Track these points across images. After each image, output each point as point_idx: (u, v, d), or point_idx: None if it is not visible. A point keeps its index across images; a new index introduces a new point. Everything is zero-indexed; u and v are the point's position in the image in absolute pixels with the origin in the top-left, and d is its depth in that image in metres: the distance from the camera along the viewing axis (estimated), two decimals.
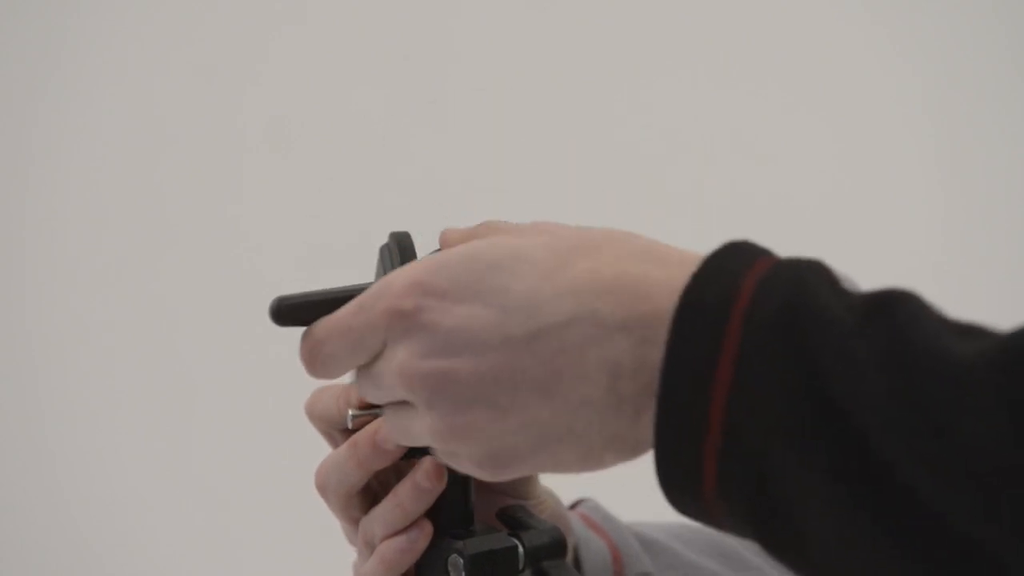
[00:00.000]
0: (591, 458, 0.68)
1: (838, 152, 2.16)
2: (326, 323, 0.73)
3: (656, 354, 0.65)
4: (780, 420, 0.62)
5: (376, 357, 0.72)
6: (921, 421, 0.60)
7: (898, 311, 0.62)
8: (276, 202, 2.10)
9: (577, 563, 0.90)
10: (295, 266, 2.09)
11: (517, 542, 0.81)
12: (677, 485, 0.65)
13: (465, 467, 0.70)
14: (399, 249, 0.81)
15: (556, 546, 0.81)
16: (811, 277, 0.64)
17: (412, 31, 2.12)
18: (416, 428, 0.71)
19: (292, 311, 0.75)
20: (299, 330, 0.75)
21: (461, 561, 0.80)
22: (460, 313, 0.68)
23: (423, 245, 0.81)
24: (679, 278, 0.65)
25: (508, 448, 0.68)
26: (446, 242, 0.77)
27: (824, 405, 0.61)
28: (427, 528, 0.81)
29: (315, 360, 0.74)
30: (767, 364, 0.62)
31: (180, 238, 2.09)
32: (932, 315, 0.63)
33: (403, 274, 0.70)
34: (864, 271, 2.28)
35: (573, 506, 0.96)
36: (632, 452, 0.68)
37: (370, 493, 0.84)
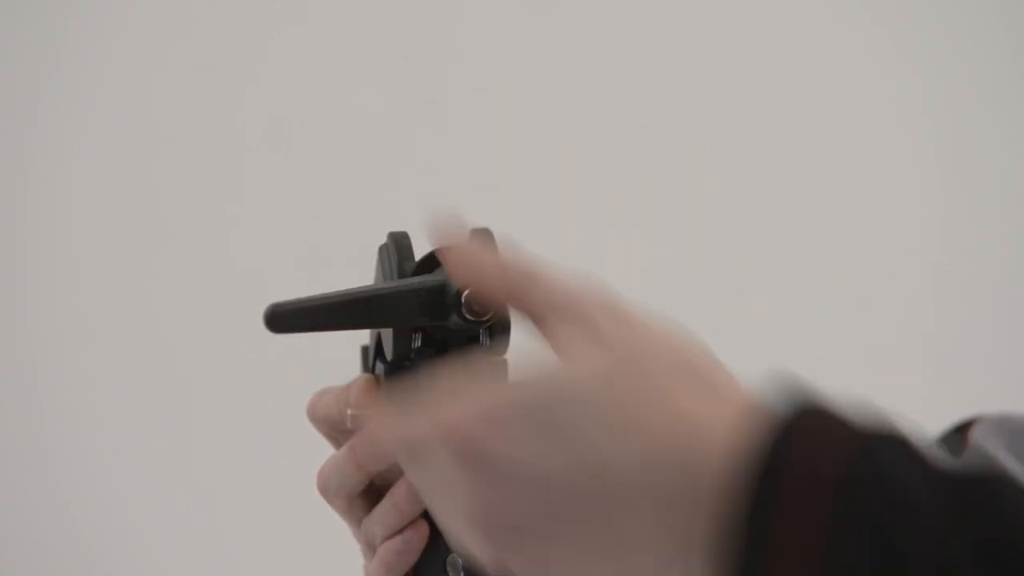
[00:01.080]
0: None
1: (838, 152, 2.16)
2: (382, 426, 0.71)
3: (713, 530, 0.63)
4: None
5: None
6: None
7: (995, 503, 0.59)
8: (276, 202, 2.10)
9: None
10: (295, 266, 2.09)
11: None
12: None
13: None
14: (397, 249, 0.81)
15: None
16: (895, 459, 0.61)
17: (412, 31, 2.12)
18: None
19: (288, 317, 0.74)
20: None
21: (460, 561, 0.80)
22: (524, 455, 0.66)
23: (422, 245, 0.81)
24: (746, 446, 0.62)
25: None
26: (453, 260, 0.74)
27: None
28: (423, 529, 0.81)
29: (371, 459, 0.74)
30: (854, 566, 0.60)
31: (180, 238, 2.09)
32: None
33: (468, 404, 0.67)
34: (864, 271, 2.29)
35: None
36: None
37: (374, 494, 0.84)
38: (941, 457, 0.62)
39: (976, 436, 0.88)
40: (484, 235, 0.82)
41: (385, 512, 0.82)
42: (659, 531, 0.65)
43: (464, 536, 0.69)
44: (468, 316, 0.77)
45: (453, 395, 0.68)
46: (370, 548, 0.84)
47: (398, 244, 0.80)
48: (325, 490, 0.84)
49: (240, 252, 2.09)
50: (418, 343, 0.80)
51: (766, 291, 2.13)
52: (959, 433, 0.90)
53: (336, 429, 0.84)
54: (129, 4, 2.09)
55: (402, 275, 0.80)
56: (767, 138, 2.15)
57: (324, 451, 0.86)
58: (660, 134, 2.15)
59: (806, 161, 2.15)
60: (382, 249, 0.82)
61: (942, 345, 2.15)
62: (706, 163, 2.15)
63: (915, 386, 2.13)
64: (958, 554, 0.58)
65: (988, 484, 0.60)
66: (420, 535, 0.81)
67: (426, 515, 0.82)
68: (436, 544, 0.81)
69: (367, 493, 0.84)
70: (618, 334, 0.67)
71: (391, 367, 0.81)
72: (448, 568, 0.80)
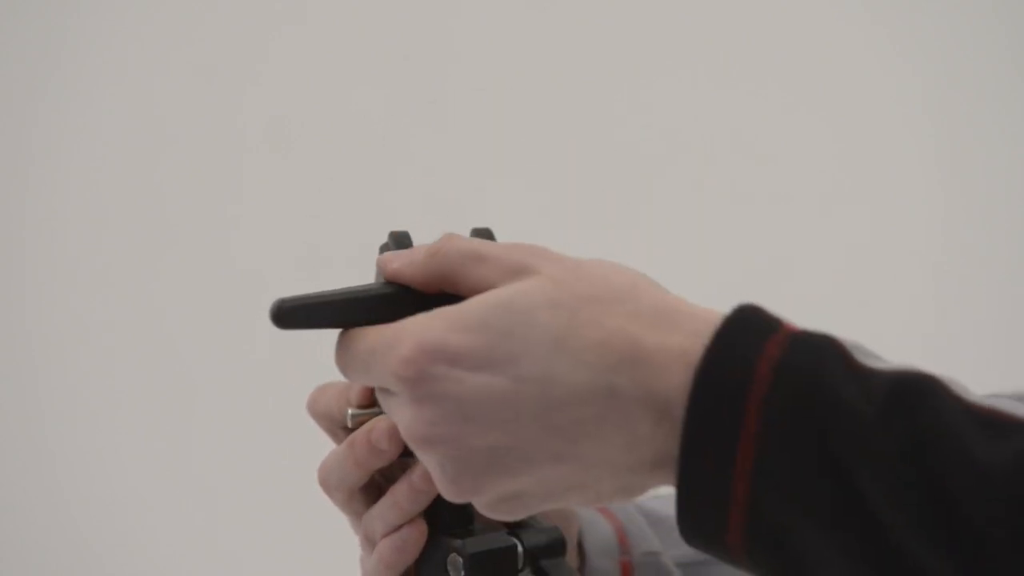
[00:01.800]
0: (600, 501, 0.69)
1: (838, 152, 2.16)
2: (355, 344, 0.73)
3: (674, 427, 0.66)
4: (803, 509, 0.62)
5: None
6: (943, 519, 0.60)
7: (919, 401, 0.62)
8: (276, 202, 2.10)
9: (581, 546, 0.91)
10: (295, 266, 2.09)
11: (516, 541, 0.81)
12: (700, 546, 0.66)
13: (478, 506, 0.71)
14: (398, 249, 0.81)
15: (555, 545, 0.81)
16: (827, 359, 0.64)
17: (412, 31, 2.12)
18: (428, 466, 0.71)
19: (293, 313, 0.75)
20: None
21: (460, 560, 0.80)
22: (471, 383, 0.67)
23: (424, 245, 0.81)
24: (692, 349, 0.65)
25: (517, 498, 0.69)
26: (441, 255, 0.74)
27: (847, 498, 0.62)
28: (421, 527, 0.81)
29: (345, 370, 0.74)
30: (787, 456, 0.63)
31: (180, 238, 2.09)
32: (954, 404, 0.63)
33: (411, 334, 0.68)
34: (864, 271, 2.29)
35: None
36: (641, 494, 0.69)
37: (374, 488, 0.84)
38: (874, 360, 0.64)
39: None
40: (484, 235, 0.82)
41: (385, 509, 0.82)
42: (614, 435, 0.66)
43: (434, 478, 0.70)
44: None
45: (402, 329, 0.69)
46: (369, 543, 0.84)
47: (400, 244, 0.80)
48: (326, 484, 0.84)
49: (240, 252, 2.09)
50: None
51: (766, 291, 2.13)
52: None
53: (336, 425, 0.85)
54: (129, 4, 2.09)
55: None
56: (767, 138, 2.15)
57: (324, 450, 0.86)
58: (660, 134, 2.15)
59: (806, 161, 2.15)
60: (383, 249, 0.82)
61: (942, 345, 2.15)
62: (706, 163, 2.15)
63: None
64: (887, 451, 0.61)
65: (915, 386, 0.62)
66: (419, 533, 0.81)
67: (426, 514, 0.82)
68: (436, 542, 0.81)
69: (368, 488, 0.84)
70: (563, 273, 0.69)
71: None
72: (448, 566, 0.80)
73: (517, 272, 0.70)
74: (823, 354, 0.64)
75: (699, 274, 2.12)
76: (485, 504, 0.70)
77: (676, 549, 0.93)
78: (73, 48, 2.08)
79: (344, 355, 0.73)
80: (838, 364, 0.63)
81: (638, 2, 2.14)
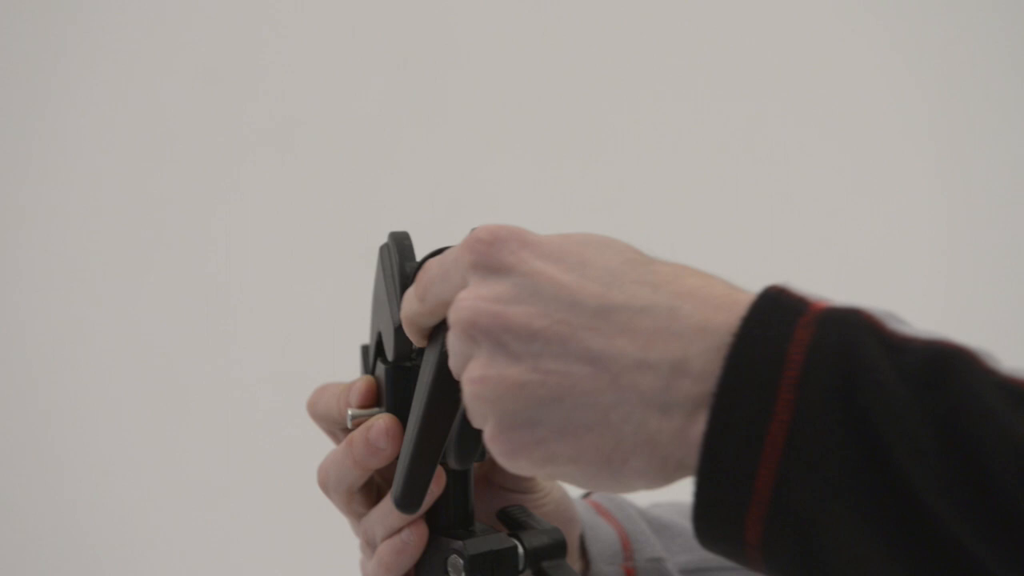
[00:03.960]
0: (614, 459, 0.65)
1: (840, 153, 2.16)
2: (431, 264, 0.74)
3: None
4: (836, 492, 0.60)
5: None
6: (983, 499, 0.58)
7: (954, 377, 0.60)
8: (276, 202, 2.10)
9: (584, 550, 0.91)
10: (295, 266, 2.09)
11: (517, 542, 0.81)
12: (716, 541, 0.63)
13: (486, 432, 0.67)
14: (398, 249, 0.81)
15: (556, 546, 0.82)
16: (860, 337, 0.62)
17: (412, 31, 2.12)
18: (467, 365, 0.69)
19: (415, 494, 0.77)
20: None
21: (461, 561, 0.80)
22: (539, 267, 0.67)
23: (422, 245, 0.81)
24: (732, 323, 0.64)
25: (533, 419, 0.65)
26: None
27: (884, 480, 0.60)
28: (421, 529, 0.81)
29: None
30: (821, 437, 0.60)
31: (180, 239, 2.09)
32: (987, 378, 0.61)
33: (503, 225, 0.70)
34: (865, 271, 2.29)
35: (588, 493, 0.96)
36: (659, 469, 0.65)
37: (374, 489, 0.84)
38: (907, 328, 0.63)
39: None
40: None
41: (385, 512, 0.82)
42: (660, 355, 0.64)
43: (471, 369, 0.68)
44: None
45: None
46: (370, 546, 0.84)
47: (399, 244, 0.80)
48: (325, 485, 0.84)
49: (240, 252, 2.09)
50: None
51: None
52: None
53: (335, 426, 0.85)
54: (129, 4, 2.09)
55: (403, 275, 0.80)
56: (768, 139, 2.15)
57: (323, 450, 0.86)
58: (660, 134, 2.15)
59: (807, 161, 2.15)
60: (383, 249, 0.82)
61: None
62: (707, 163, 2.15)
63: None
64: (920, 426, 0.59)
65: (948, 360, 0.61)
66: (419, 536, 0.81)
67: (426, 516, 0.82)
68: (436, 543, 0.81)
69: (367, 489, 0.84)
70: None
71: (392, 367, 0.81)
72: (449, 568, 0.80)
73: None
74: (854, 331, 0.62)
75: None
76: (499, 418, 0.66)
77: (680, 556, 0.93)
78: (73, 48, 2.08)
79: (422, 279, 0.73)
80: (870, 339, 0.62)
81: (639, 3, 2.14)
